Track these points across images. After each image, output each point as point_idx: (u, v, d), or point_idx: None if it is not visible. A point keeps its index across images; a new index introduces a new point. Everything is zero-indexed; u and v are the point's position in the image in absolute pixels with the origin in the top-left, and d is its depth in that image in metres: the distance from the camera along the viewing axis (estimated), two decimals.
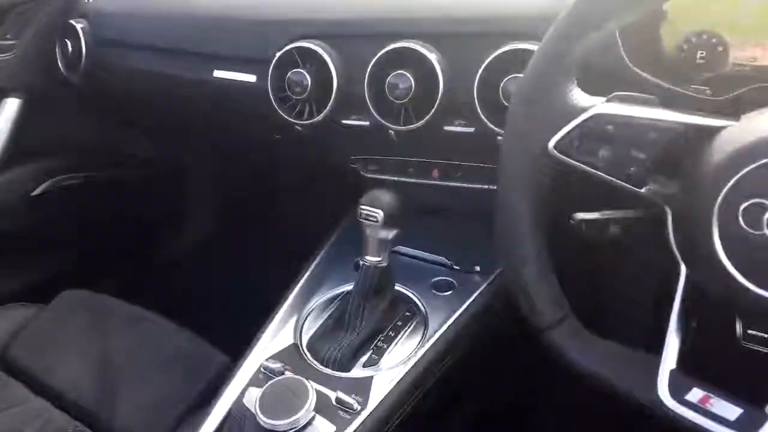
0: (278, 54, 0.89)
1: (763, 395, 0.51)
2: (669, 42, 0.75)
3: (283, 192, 1.45)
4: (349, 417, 0.73)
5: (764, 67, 0.69)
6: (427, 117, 0.82)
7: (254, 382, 0.78)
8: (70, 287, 1.12)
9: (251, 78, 0.94)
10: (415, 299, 0.88)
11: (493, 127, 0.78)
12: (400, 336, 0.83)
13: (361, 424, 0.72)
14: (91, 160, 1.28)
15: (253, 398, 0.72)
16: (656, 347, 0.56)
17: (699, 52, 0.72)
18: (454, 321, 0.83)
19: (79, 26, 1.15)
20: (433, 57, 0.81)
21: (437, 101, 0.81)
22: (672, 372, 0.54)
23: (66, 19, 1.15)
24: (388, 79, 0.81)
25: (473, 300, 0.86)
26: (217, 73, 0.98)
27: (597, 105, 0.58)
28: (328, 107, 0.87)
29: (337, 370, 0.79)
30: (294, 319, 0.88)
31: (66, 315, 1.08)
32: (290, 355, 0.82)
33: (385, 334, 0.83)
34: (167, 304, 1.10)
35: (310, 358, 0.81)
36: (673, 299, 0.56)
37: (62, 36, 1.16)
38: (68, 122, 1.25)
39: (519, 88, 0.61)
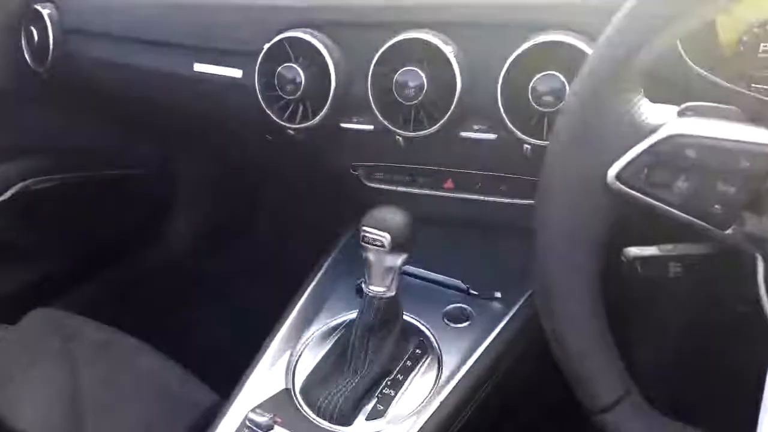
0: (267, 46, 0.79)
1: None
2: (726, 34, 0.65)
3: (275, 201, 1.35)
4: None
5: None
6: (442, 121, 0.72)
7: None
8: (40, 300, 1.03)
9: (236, 73, 0.84)
10: (425, 331, 0.78)
11: (519, 134, 0.69)
12: (409, 380, 0.72)
13: None
14: (63, 162, 1.18)
15: None
16: (743, 428, 0.44)
17: (762, 45, 0.64)
18: (473, 363, 0.73)
19: (45, 12, 1.03)
20: (449, 50, 0.71)
21: (453, 103, 0.72)
22: None
23: (31, 3, 1.05)
24: (395, 76, 0.72)
25: (495, 335, 0.75)
26: (198, 67, 0.88)
27: (670, 122, 0.45)
28: (324, 109, 0.78)
29: (336, 424, 0.69)
30: (287, 355, 0.78)
31: (34, 339, 0.98)
32: (281, 404, 0.71)
33: (392, 377, 0.73)
34: (146, 323, 1.00)
35: (305, 407, 0.71)
36: (763, 369, 0.44)
37: (27, 23, 1.05)
38: (37, 119, 1.14)
39: (569, 100, 0.48)
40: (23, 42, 1.07)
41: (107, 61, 1.00)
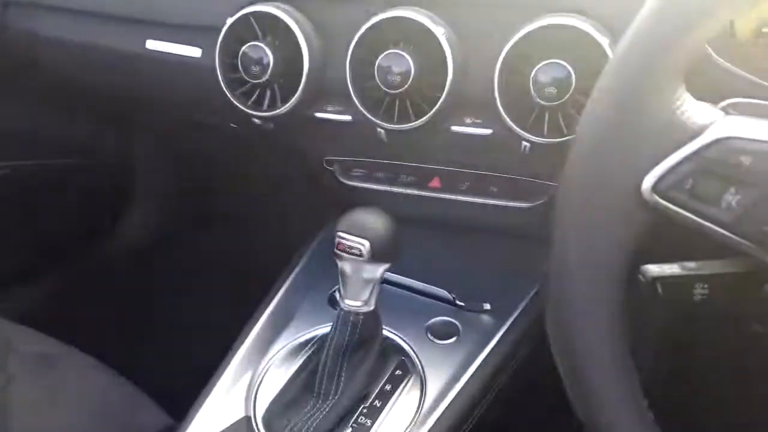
0: (230, 21, 0.72)
1: None
2: (744, 26, 0.61)
3: (241, 196, 1.28)
4: None
5: None
6: (430, 113, 0.66)
7: None
8: None
9: (195, 52, 0.77)
10: (407, 348, 0.71)
11: (517, 129, 0.63)
12: (389, 406, 0.66)
13: None
14: (6, 149, 1.09)
15: None
16: None
17: None
18: (462, 385, 0.66)
19: None
20: (440, 32, 0.65)
21: (444, 93, 0.66)
22: None
23: None
24: (378, 60, 0.66)
25: (486, 354, 0.69)
26: (151, 44, 0.80)
27: (719, 122, 0.38)
28: (296, 95, 0.71)
29: None
30: (248, 375, 0.71)
31: None
32: None
33: (369, 403, 0.66)
34: (95, 330, 0.93)
35: None
36: None
37: None
38: None
39: (598, 93, 0.41)
40: None
41: (49, 37, 0.92)
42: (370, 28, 0.66)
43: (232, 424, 0.65)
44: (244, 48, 0.71)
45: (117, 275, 1.23)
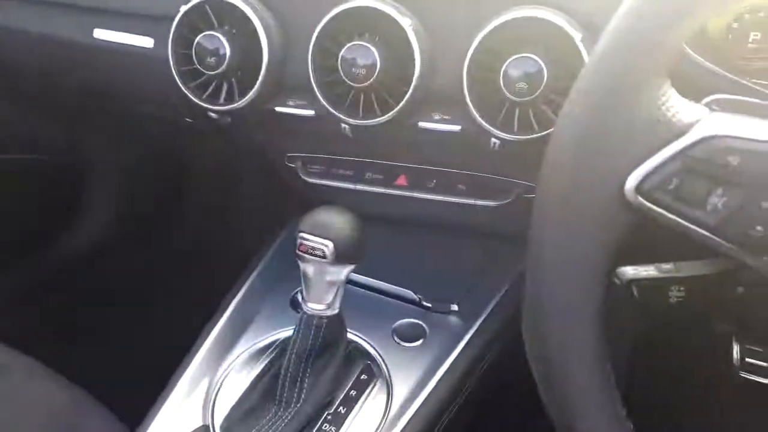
0: (183, 9, 0.69)
1: None
2: (715, 22, 0.61)
3: (199, 195, 1.25)
4: None
5: None
6: (396, 108, 0.64)
7: None
8: None
9: (146, 42, 0.74)
10: (373, 352, 0.69)
11: (486, 126, 0.61)
12: (354, 413, 0.64)
13: None
14: None
15: None
16: None
17: (752, 33, 0.58)
18: (430, 390, 0.65)
19: None
20: (407, 23, 0.62)
21: (411, 87, 0.63)
22: None
23: None
24: (342, 52, 0.63)
25: (454, 357, 0.68)
26: (99, 33, 0.76)
27: (705, 119, 0.36)
28: (254, 88, 0.68)
29: None
30: (206, 382, 0.69)
31: None
32: None
33: (333, 410, 0.64)
34: (45, 335, 0.92)
35: None
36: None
37: None
38: None
39: (577, 92, 0.39)
40: None
41: None
42: (333, 17, 0.63)
43: None
44: (198, 38, 0.68)
45: (69, 277, 1.19)
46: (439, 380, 0.65)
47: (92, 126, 1.18)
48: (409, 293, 0.75)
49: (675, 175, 0.36)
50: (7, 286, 1.14)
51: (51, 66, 0.87)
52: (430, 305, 0.73)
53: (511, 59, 0.58)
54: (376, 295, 0.76)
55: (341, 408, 0.64)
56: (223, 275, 0.80)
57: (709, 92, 0.49)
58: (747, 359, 0.50)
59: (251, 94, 0.68)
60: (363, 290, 0.76)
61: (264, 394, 0.65)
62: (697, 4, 0.36)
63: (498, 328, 0.70)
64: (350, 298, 0.70)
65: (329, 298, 0.62)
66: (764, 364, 0.50)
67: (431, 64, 0.63)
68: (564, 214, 0.38)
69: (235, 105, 0.69)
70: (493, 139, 0.61)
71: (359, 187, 0.75)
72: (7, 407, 0.78)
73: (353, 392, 0.65)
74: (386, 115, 0.64)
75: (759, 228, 0.35)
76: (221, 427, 0.64)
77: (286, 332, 0.70)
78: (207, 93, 0.70)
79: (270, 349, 0.71)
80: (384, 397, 0.65)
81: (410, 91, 0.62)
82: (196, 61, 0.68)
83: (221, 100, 0.70)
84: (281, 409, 0.63)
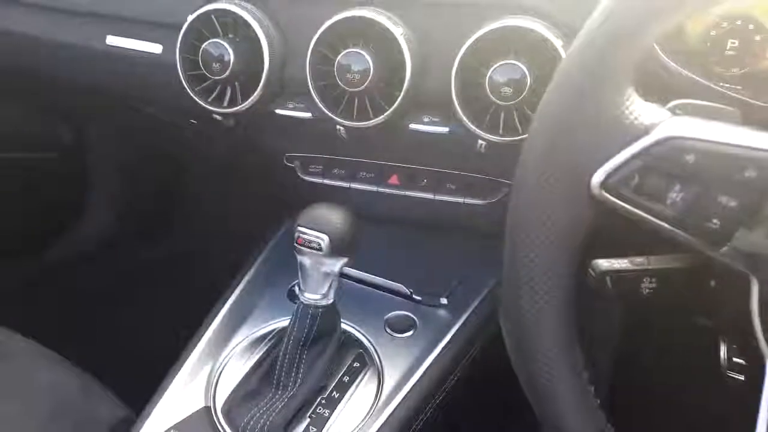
0: (191, 18, 0.71)
1: None
2: (693, 27, 0.62)
3: (202, 192, 1.26)
4: None
5: None
6: (389, 111, 0.66)
7: None
8: None
9: (155, 48, 0.76)
10: (365, 342, 0.72)
11: (473, 128, 0.63)
12: (347, 397, 0.67)
13: None
14: None
15: None
16: None
17: (730, 41, 0.60)
18: (418, 377, 0.67)
19: None
20: (398, 32, 0.64)
21: (402, 91, 0.65)
22: None
23: None
24: (338, 58, 0.66)
25: (442, 347, 0.70)
26: (111, 40, 0.79)
27: (666, 122, 0.39)
28: (256, 92, 0.70)
29: None
30: (209, 366, 0.71)
31: None
32: (200, 424, 0.65)
33: (327, 395, 0.67)
34: (54, 325, 0.91)
35: (227, 428, 0.64)
36: (753, 399, 0.40)
37: None
38: None
39: (550, 94, 0.42)
40: None
41: (9, 31, 0.89)
42: (330, 26, 0.65)
43: (192, 414, 0.65)
44: (204, 45, 0.70)
45: (77, 270, 1.20)
46: (427, 368, 0.68)
47: (98, 127, 1.20)
48: (401, 287, 0.77)
49: (637, 172, 0.39)
50: (15, 278, 1.16)
51: (64, 70, 0.89)
52: (420, 299, 0.76)
53: (496, 65, 0.60)
54: (370, 288, 0.79)
55: (335, 393, 0.67)
56: (224, 270, 0.81)
57: (681, 95, 0.52)
58: (734, 359, 0.50)
59: (253, 97, 0.70)
60: (358, 284, 0.79)
61: (262, 378, 0.68)
62: (652, 20, 0.39)
63: (484, 321, 0.72)
64: (346, 291, 0.74)
65: (324, 288, 0.65)
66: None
67: (421, 69, 0.65)
68: (536, 206, 0.41)
69: (238, 108, 0.71)
70: (480, 141, 0.64)
71: (354, 185, 0.77)
72: (17, 392, 0.79)
73: (346, 378, 0.68)
74: (379, 118, 0.66)
75: (715, 221, 0.38)
76: (222, 409, 0.66)
77: (284, 322, 0.73)
78: (212, 96, 0.72)
79: (268, 338, 0.73)
80: (375, 383, 0.67)
81: (401, 95, 0.65)
82: (202, 67, 0.70)
83: (225, 103, 0.72)
84: (278, 393, 0.65)
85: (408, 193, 0.76)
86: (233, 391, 0.68)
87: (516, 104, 0.60)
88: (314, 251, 0.62)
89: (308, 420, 0.64)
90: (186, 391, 0.69)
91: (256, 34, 0.69)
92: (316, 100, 0.68)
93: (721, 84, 0.59)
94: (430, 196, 0.75)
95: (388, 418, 0.64)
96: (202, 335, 0.74)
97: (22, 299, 1.12)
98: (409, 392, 0.66)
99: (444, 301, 0.75)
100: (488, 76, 0.61)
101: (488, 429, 0.83)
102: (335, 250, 0.62)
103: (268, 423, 0.62)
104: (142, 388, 0.72)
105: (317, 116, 0.70)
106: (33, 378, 0.82)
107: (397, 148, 0.73)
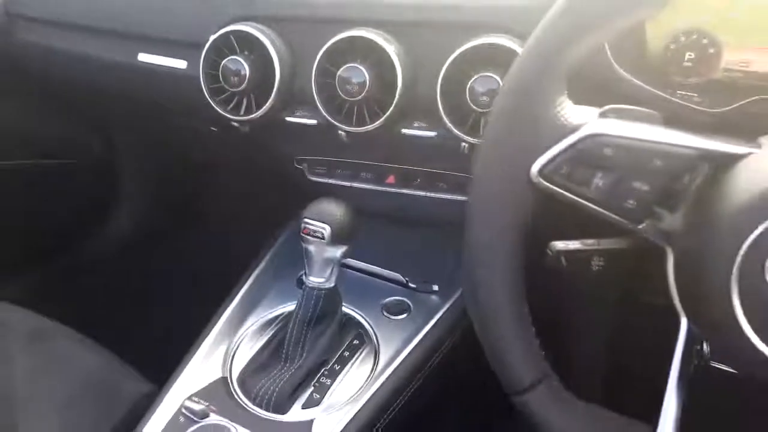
0: (212, 38, 0.78)
1: None
2: (654, 41, 0.67)
3: (218, 193, 1.33)
4: None
5: (757, 74, 0.62)
6: (383, 118, 0.72)
7: (173, 426, 0.69)
8: None
9: (181, 64, 0.83)
10: (364, 323, 0.79)
11: (457, 132, 0.70)
12: (346, 370, 0.74)
13: None
14: (3, 149, 1.14)
15: None
16: (652, 412, 0.47)
17: (687, 53, 0.64)
18: (409, 352, 0.74)
19: None
20: (391, 49, 0.71)
21: (395, 100, 0.71)
22: None
23: None
24: (339, 72, 0.72)
25: (432, 326, 0.77)
26: (143, 57, 0.87)
27: (591, 122, 0.48)
28: (268, 102, 0.77)
29: (271, 412, 0.70)
30: (225, 345, 0.78)
31: None
32: (217, 392, 0.72)
33: (329, 367, 0.74)
34: (83, 315, 0.98)
35: (241, 395, 0.72)
36: (670, 354, 0.47)
37: None
38: None
39: (498, 97, 0.51)
40: None
41: (52, 48, 0.97)
42: (332, 45, 0.72)
43: (210, 384, 0.72)
44: (224, 61, 0.76)
45: (106, 264, 1.27)
46: (417, 345, 0.75)
47: (125, 135, 1.27)
48: (397, 276, 0.84)
49: (566, 162, 0.47)
50: (52, 272, 1.23)
51: (100, 83, 0.96)
52: (414, 286, 0.83)
53: (475, 77, 0.67)
54: (369, 277, 0.85)
55: (336, 365, 0.74)
56: (239, 261, 0.87)
57: (631, 100, 0.58)
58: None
59: (266, 106, 0.77)
60: (358, 273, 0.86)
61: (272, 353, 0.75)
62: (567, 45, 0.47)
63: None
64: (348, 279, 0.82)
65: (327, 273, 0.72)
66: None
67: (411, 81, 0.71)
68: (489, 191, 0.50)
69: (253, 116, 0.77)
70: (462, 143, 0.70)
71: (355, 185, 0.83)
72: (53, 370, 0.87)
73: (346, 353, 0.75)
74: (375, 123, 0.72)
75: (631, 202, 0.47)
76: (237, 379, 0.73)
77: (291, 307, 0.80)
78: (230, 106, 0.78)
79: (277, 320, 0.80)
80: (372, 358, 0.75)
81: (394, 103, 0.71)
82: (221, 80, 0.77)
83: (242, 112, 0.78)
84: (286, 365, 0.72)
85: (403, 191, 0.82)
86: (247, 365, 0.75)
87: None
88: (318, 239, 0.70)
89: (312, 388, 0.72)
90: (205, 365, 0.75)
91: (268, 52, 0.75)
92: (321, 109, 0.74)
93: (679, 92, 0.65)
94: (423, 193, 0.81)
95: (381, 386, 0.71)
96: (219, 318, 0.80)
97: (60, 288, 1.20)
98: (401, 365, 0.72)
99: (435, 287, 0.82)
100: (468, 86, 0.67)
101: (469, 394, 0.90)
102: (336, 239, 0.70)
103: (277, 390, 0.70)
104: (164, 367, 0.77)
105: (321, 122, 0.76)
106: (69, 358, 0.89)
107: (393, 151, 0.79)
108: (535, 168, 0.48)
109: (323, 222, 0.70)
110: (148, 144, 1.27)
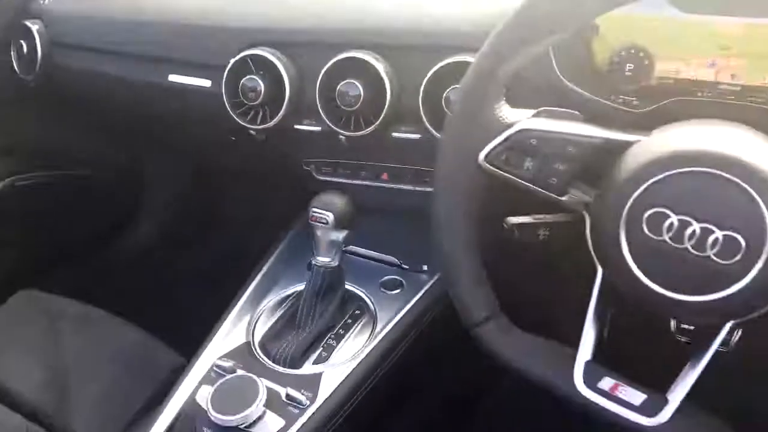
0: (232, 61, 0.90)
1: (668, 383, 0.56)
2: (601, 56, 0.77)
3: (237, 193, 1.44)
4: (298, 412, 0.75)
5: (685, 80, 0.73)
6: (376, 124, 0.84)
7: (206, 380, 0.80)
8: (25, 287, 1.11)
9: (206, 83, 0.95)
10: (364, 297, 0.91)
11: (436, 134, 0.80)
12: (349, 334, 0.86)
13: (309, 418, 0.75)
14: (46, 161, 1.26)
15: (204, 396, 0.74)
16: (577, 341, 0.60)
17: (628, 65, 0.73)
18: (401, 319, 0.87)
19: (34, 27, 1.13)
20: (380, 67, 0.82)
21: (385, 109, 0.83)
22: (587, 363, 0.58)
23: (20, 19, 1.14)
24: (338, 87, 0.83)
25: (420, 298, 0.89)
26: (172, 78, 0.98)
27: (522, 120, 0.62)
28: (280, 113, 0.88)
29: (287, 368, 0.81)
30: (247, 318, 0.90)
31: (20, 316, 1.08)
32: (242, 354, 0.83)
33: (335, 332, 0.86)
34: (121, 304, 1.10)
35: (262, 356, 0.83)
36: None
37: (17, 37, 1.15)
38: (24, 123, 1.23)
39: (454, 101, 0.64)
40: (13, 53, 1.16)
41: (89, 72, 1.10)
42: (332, 65, 0.83)
43: (236, 347, 0.84)
44: (243, 80, 0.87)
45: (137, 263, 1.39)
46: (407, 314, 0.86)
47: (152, 148, 1.39)
48: (392, 258, 0.96)
49: (504, 151, 0.61)
50: (89, 268, 1.36)
51: (133, 100, 1.08)
52: (407, 266, 0.94)
53: (450, 88, 0.78)
54: (369, 260, 0.97)
55: (341, 330, 0.86)
56: (256, 250, 0.98)
57: (577, 104, 0.67)
58: (682, 325, 0.60)
59: (278, 117, 0.87)
60: (360, 258, 0.97)
61: (287, 323, 0.87)
62: (504, 60, 0.60)
63: None
64: (350, 262, 0.93)
65: (332, 254, 0.85)
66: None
67: (398, 93, 0.82)
68: (447, 172, 0.63)
69: (268, 125, 0.88)
70: None
71: (355, 182, 0.95)
72: (91, 349, 1.00)
73: (349, 321, 0.87)
74: (369, 129, 0.83)
75: (554, 179, 0.60)
76: (258, 343, 0.85)
77: (302, 286, 0.90)
78: (248, 117, 0.89)
79: (291, 298, 0.92)
80: (370, 325, 0.86)
81: (384, 111, 0.82)
82: (241, 96, 0.88)
83: (258, 122, 0.88)
84: (299, 331, 0.84)
85: (396, 186, 0.92)
86: (266, 332, 0.87)
87: None
88: (323, 225, 0.82)
89: (321, 348, 0.83)
90: (230, 334, 0.87)
91: (279, 72, 0.86)
92: (324, 117, 0.85)
93: (622, 97, 0.74)
94: (412, 187, 0.92)
95: (377, 346, 0.83)
96: (242, 296, 0.92)
97: (103, 279, 1.32)
98: (394, 327, 0.85)
99: (425, 267, 0.93)
100: (444, 96, 0.78)
101: (450, 352, 1.01)
102: (338, 224, 0.82)
103: (291, 350, 0.82)
104: (193, 344, 0.87)
105: (325, 129, 0.86)
106: (112, 338, 1.02)
107: (385, 152, 0.90)
108: (481, 155, 0.62)
109: (327, 210, 0.82)
110: (172, 155, 1.38)
